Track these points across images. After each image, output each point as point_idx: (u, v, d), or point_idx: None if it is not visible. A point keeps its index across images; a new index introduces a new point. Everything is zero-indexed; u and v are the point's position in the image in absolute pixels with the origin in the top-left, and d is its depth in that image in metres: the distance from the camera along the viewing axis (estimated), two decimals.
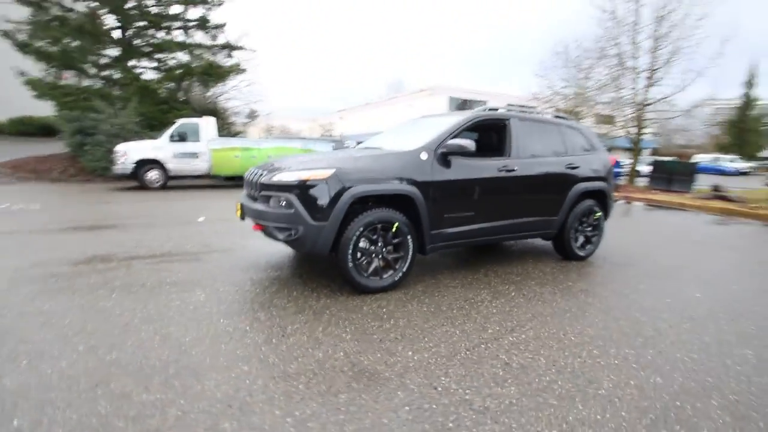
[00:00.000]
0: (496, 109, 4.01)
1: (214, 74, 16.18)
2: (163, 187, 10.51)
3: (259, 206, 3.13)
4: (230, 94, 20.23)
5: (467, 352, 2.33)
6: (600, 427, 1.72)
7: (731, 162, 31.27)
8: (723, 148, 37.96)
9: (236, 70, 17.19)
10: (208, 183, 12.64)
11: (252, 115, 23.49)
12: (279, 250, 4.36)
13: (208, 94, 18.65)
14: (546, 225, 4.16)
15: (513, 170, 3.78)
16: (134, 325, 2.54)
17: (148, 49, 15.17)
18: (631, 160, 16.68)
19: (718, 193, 11.13)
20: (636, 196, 11.84)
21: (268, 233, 3.08)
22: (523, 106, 5.40)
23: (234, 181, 13.97)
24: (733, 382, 2.12)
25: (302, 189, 2.92)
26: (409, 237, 3.21)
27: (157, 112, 13.90)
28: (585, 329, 2.70)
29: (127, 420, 1.67)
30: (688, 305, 3.22)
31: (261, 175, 3.24)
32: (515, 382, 2.04)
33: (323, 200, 2.90)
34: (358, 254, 3.05)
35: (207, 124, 11.09)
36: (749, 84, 39.04)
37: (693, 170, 14.57)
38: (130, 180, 10.65)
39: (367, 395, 1.89)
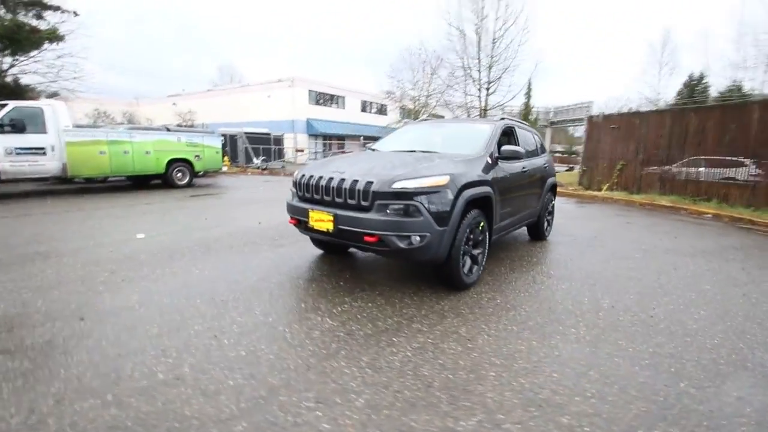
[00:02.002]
0: (503, 118, 4.65)
1: (24, 40, 12.03)
2: None
3: (375, 216, 2.93)
4: (33, 67, 15.24)
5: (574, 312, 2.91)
6: None
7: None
8: None
9: (53, 36, 13.15)
10: (58, 187, 9.64)
11: (57, 96, 18.12)
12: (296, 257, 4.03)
13: (4, 67, 13.68)
14: (534, 214, 5.08)
15: (526, 170, 4.52)
16: None
17: None
18: None
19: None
20: None
21: (385, 243, 2.92)
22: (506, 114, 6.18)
23: (104, 183, 11.02)
24: None
25: (427, 195, 2.92)
26: (487, 233, 3.56)
27: None
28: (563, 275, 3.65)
29: None
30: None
31: (355, 182, 3.03)
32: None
33: (446, 206, 2.97)
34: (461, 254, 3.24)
35: (54, 110, 8.32)
36: (528, 95, 51.70)
37: None
38: None
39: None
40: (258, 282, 3.41)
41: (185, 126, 23.02)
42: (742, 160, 9.75)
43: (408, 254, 2.98)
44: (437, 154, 3.77)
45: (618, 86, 76.05)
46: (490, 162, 3.69)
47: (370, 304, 3.02)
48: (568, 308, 3.11)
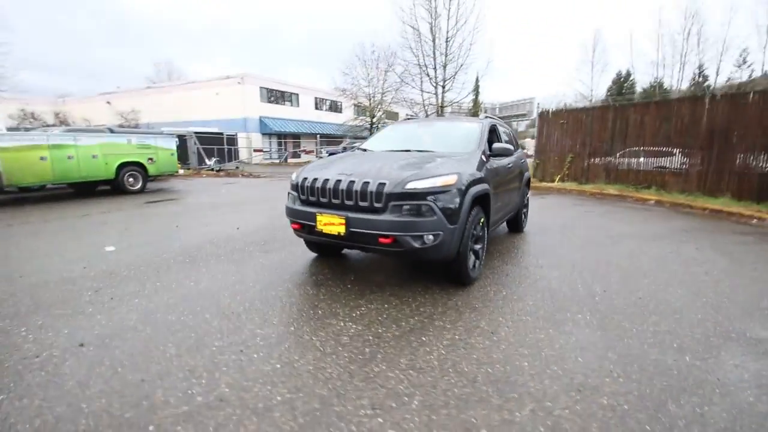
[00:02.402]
0: (487, 117, 4.82)
1: None
2: None
3: (389, 217, 2.93)
4: None
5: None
6: None
7: None
8: None
9: None
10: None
11: None
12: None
13: None
14: (516, 207, 5.33)
15: (510, 165, 4.73)
16: None
17: None
18: None
19: None
20: None
21: (400, 244, 2.94)
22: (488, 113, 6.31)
23: (41, 191, 9.85)
24: None
25: (439, 195, 2.97)
26: (486, 229, 3.70)
27: None
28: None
29: None
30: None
31: (366, 184, 3.02)
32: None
33: (456, 204, 3.04)
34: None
35: None
36: (476, 91, 53.79)
37: None
38: None
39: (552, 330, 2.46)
40: (263, 291, 3.29)
41: (128, 127, 21.29)
42: (672, 150, 10.91)
43: (422, 254, 3.02)
44: (434, 153, 3.84)
45: (556, 83, 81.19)
46: (484, 159, 3.82)
47: (386, 305, 3.03)
48: (568, 296, 3.33)
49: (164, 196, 9.75)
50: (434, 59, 18.24)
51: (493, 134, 4.76)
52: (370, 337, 2.54)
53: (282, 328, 2.65)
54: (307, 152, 25.68)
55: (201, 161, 19.23)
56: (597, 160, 12.61)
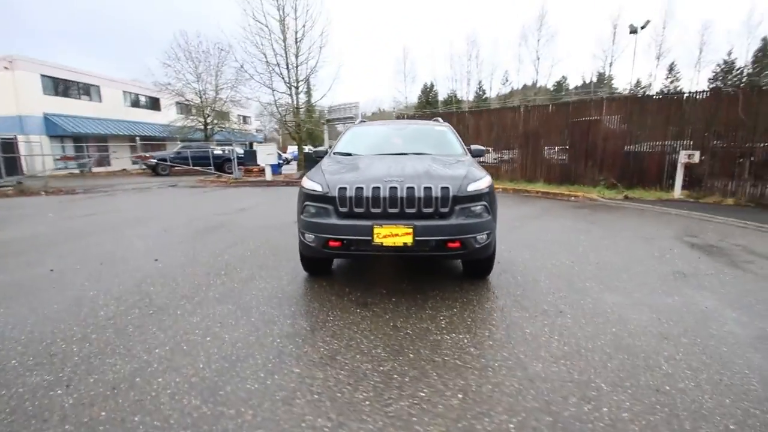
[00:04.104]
0: (438, 120, 5.18)
1: None
2: None
3: (456, 221, 2.99)
4: None
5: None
6: None
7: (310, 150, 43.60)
8: (301, 141, 51.60)
9: None
10: None
11: None
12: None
13: None
14: None
15: None
16: None
17: None
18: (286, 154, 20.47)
19: None
20: None
21: (465, 246, 3.01)
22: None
23: None
24: None
25: (486, 195, 3.18)
26: None
27: None
28: None
29: None
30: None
31: (428, 189, 2.98)
32: None
33: (494, 203, 3.32)
34: None
35: None
36: (308, 93, 54.30)
37: None
38: None
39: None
40: (291, 327, 2.85)
41: None
42: (502, 148, 13.94)
43: (476, 254, 3.18)
44: (435, 156, 4.01)
45: (376, 89, 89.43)
46: (471, 161, 4.22)
47: (432, 312, 3.09)
48: (574, 271, 4.00)
49: None
50: (286, 58, 17.67)
51: None
52: (472, 350, 2.60)
53: (368, 365, 2.42)
54: (145, 158, 20.99)
55: None
56: None
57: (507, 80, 51.83)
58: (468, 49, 55.56)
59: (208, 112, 26.02)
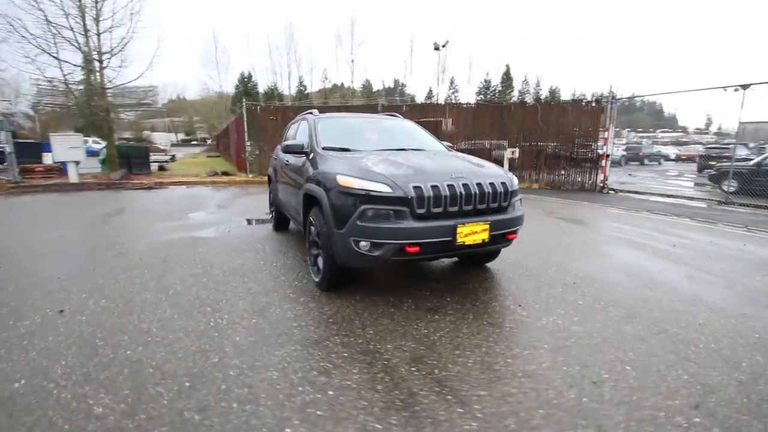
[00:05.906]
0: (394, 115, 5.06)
1: None
2: None
3: (512, 214, 3.16)
4: None
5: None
6: None
7: (95, 143, 34.47)
8: (78, 130, 39.78)
9: None
10: None
11: None
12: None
13: None
14: None
15: None
16: None
17: None
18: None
19: (219, 170, 14.71)
20: (144, 182, 12.38)
21: (504, 239, 3.20)
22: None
23: None
24: None
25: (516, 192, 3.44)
26: None
27: None
28: None
29: None
30: None
31: (492, 185, 3.03)
32: None
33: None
34: None
35: None
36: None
37: (146, 153, 16.77)
38: None
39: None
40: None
41: None
42: None
43: (506, 245, 3.47)
44: (434, 151, 4.01)
45: (176, 74, 77.10)
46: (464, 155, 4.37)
47: (461, 309, 3.28)
48: (569, 255, 4.72)
49: None
50: (83, 22, 13.26)
51: None
52: (518, 350, 2.91)
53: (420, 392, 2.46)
54: None
55: None
56: None
57: (327, 78, 53.71)
58: (287, 42, 54.74)
59: None
